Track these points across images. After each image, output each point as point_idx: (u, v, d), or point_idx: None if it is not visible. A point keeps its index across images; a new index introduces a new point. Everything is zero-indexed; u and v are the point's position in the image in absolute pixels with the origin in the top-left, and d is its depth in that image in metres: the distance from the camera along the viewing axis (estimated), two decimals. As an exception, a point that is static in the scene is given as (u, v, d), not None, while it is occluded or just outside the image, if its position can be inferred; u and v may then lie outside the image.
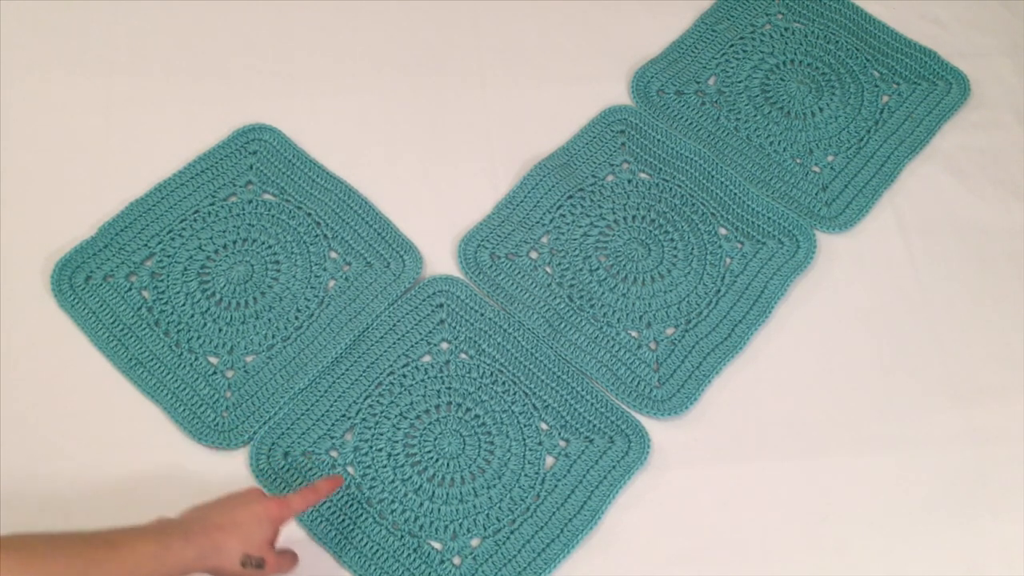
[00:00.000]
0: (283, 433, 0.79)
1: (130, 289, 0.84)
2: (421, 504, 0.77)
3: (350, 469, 0.78)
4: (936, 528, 0.78)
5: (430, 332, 0.84)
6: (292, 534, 0.76)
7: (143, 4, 1.01)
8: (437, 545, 0.76)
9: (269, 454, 0.78)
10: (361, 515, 0.76)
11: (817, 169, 0.96)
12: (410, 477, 0.78)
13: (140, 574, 0.57)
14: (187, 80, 0.97)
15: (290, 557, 0.70)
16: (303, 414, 0.80)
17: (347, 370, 0.82)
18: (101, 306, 0.83)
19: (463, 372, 0.83)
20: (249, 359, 0.82)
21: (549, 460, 0.80)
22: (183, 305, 0.84)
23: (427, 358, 0.84)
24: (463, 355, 0.84)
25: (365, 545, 0.75)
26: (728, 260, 0.91)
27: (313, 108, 0.96)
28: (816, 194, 0.94)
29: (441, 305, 0.86)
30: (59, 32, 0.99)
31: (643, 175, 0.95)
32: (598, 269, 0.89)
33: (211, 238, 0.87)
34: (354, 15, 1.03)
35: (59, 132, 0.93)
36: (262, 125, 0.93)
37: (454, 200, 0.92)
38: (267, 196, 0.90)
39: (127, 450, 0.78)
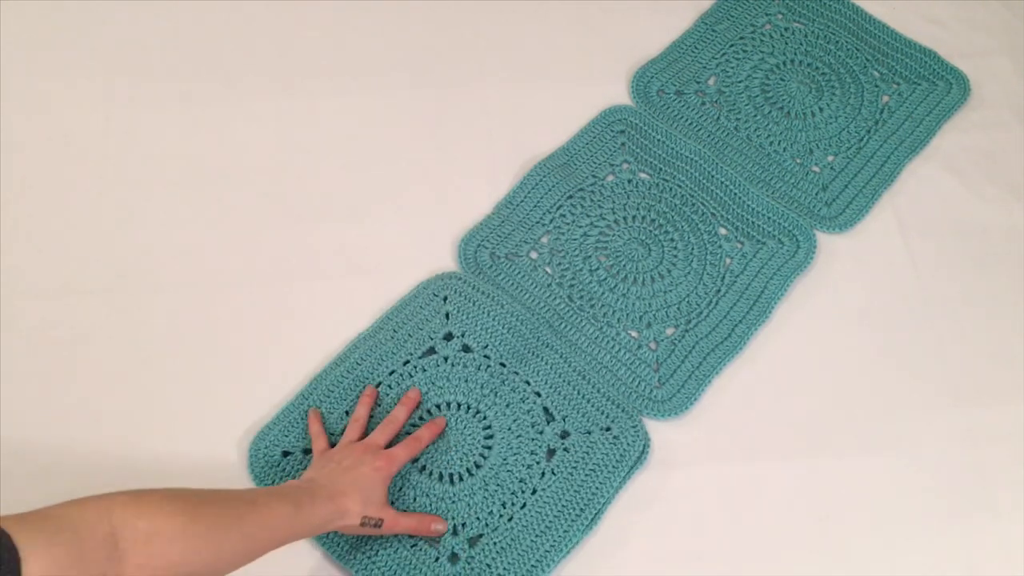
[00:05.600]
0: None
1: None
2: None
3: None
4: (936, 528, 0.78)
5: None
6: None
7: (143, 4, 1.01)
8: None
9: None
10: None
11: (817, 169, 0.96)
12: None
13: (275, 531, 0.63)
14: (187, 80, 0.97)
15: (414, 520, 0.74)
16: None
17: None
18: None
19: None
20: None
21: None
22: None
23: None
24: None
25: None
26: (728, 260, 0.91)
27: (313, 108, 0.96)
28: (816, 194, 0.94)
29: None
30: (59, 32, 0.99)
31: (643, 175, 0.95)
32: (598, 269, 0.89)
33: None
34: (354, 16, 1.03)
35: (59, 132, 0.93)
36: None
37: (454, 200, 0.92)
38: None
39: (125, 450, 0.78)
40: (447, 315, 0.85)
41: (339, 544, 0.75)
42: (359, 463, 0.72)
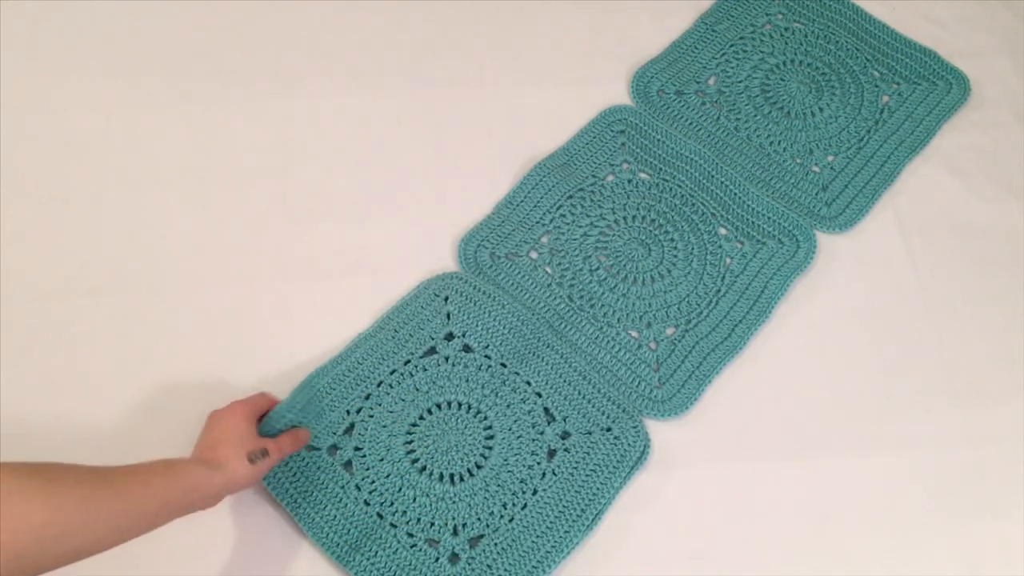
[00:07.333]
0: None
1: None
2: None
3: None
4: (936, 528, 0.78)
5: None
6: (292, 537, 0.76)
7: (143, 4, 1.01)
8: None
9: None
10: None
11: (817, 169, 0.96)
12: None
13: (155, 488, 0.60)
14: (187, 80, 0.97)
15: (292, 435, 0.75)
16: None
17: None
18: None
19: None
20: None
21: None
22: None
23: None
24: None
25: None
26: (728, 260, 0.91)
27: (313, 108, 0.96)
28: (816, 194, 0.94)
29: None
30: (59, 32, 0.99)
31: (643, 175, 0.95)
32: (598, 269, 0.89)
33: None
34: (354, 15, 1.03)
35: (59, 132, 0.93)
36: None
37: (454, 200, 0.92)
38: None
39: (125, 450, 0.78)
40: (448, 315, 0.85)
41: (340, 545, 0.75)
42: (216, 419, 0.71)
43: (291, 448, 0.75)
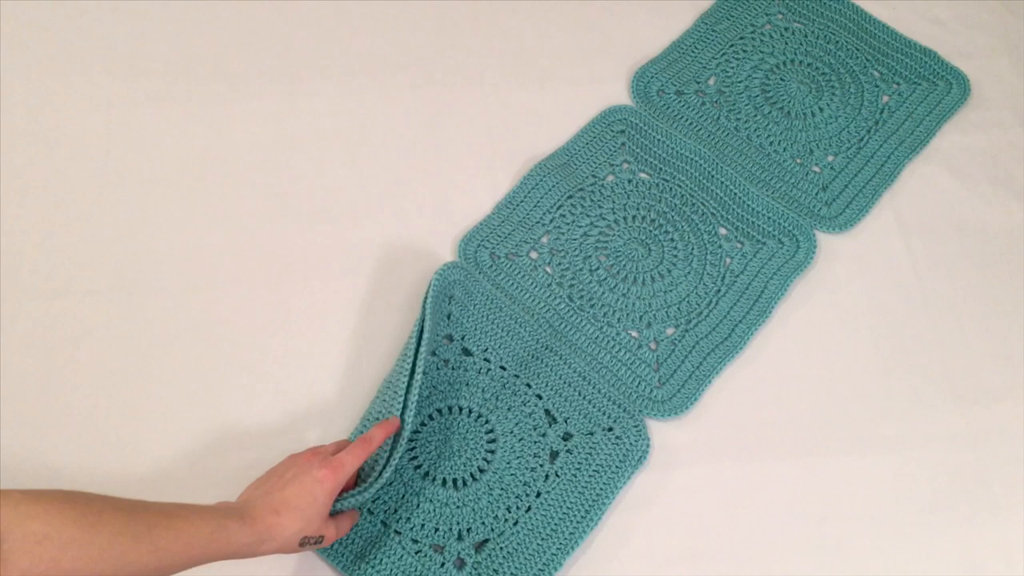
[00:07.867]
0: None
1: None
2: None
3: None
4: (936, 528, 0.78)
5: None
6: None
7: (143, 4, 1.01)
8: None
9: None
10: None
11: (817, 169, 0.96)
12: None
13: (193, 550, 0.57)
14: (187, 80, 0.97)
15: (348, 519, 0.71)
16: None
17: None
18: None
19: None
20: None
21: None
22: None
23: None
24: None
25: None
26: (728, 260, 0.91)
27: (313, 108, 0.96)
28: (816, 194, 0.94)
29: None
30: (59, 32, 0.99)
31: (643, 175, 0.95)
32: (598, 269, 0.89)
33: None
34: (354, 15, 1.03)
35: (59, 132, 0.93)
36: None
37: (454, 200, 0.92)
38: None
39: (124, 450, 0.78)
40: (449, 315, 0.85)
41: (343, 554, 0.75)
42: (301, 475, 0.65)
43: (346, 532, 0.71)
